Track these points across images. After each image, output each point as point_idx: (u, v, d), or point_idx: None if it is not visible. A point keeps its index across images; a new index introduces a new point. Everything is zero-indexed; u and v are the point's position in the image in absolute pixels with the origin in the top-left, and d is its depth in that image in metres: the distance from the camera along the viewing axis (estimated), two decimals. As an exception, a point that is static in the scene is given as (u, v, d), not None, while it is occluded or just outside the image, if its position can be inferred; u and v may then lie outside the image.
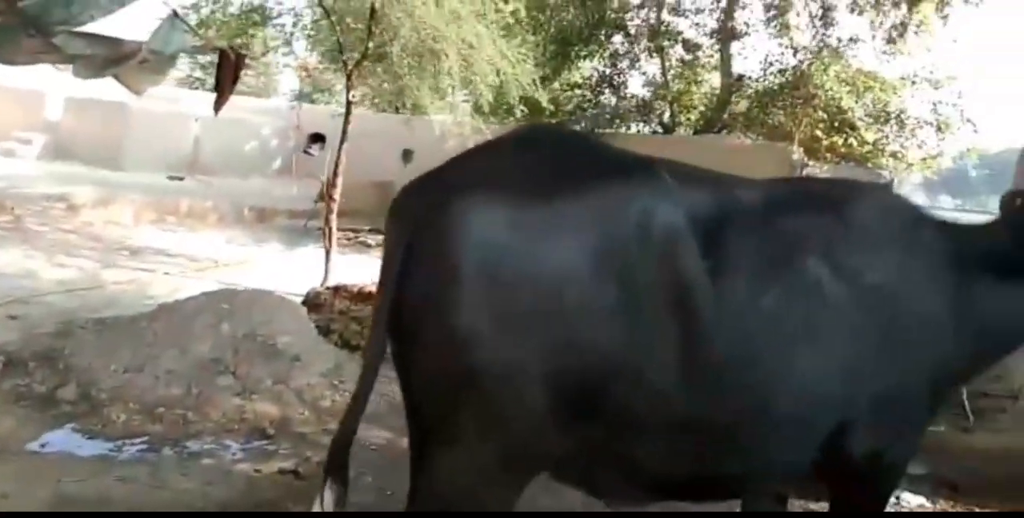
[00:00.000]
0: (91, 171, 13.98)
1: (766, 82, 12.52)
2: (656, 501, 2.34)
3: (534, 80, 9.12)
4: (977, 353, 2.50)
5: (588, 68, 14.22)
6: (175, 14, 6.83)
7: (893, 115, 11.38)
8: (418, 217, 1.83)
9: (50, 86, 15.36)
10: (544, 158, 1.95)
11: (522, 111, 13.63)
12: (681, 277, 1.87)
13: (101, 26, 6.23)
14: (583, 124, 13.45)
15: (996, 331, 2.51)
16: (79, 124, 15.39)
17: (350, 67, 7.76)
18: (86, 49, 6.30)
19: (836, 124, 11.60)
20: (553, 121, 13.87)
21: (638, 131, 14.31)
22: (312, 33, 10.49)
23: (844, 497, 2.49)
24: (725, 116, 13.27)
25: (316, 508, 1.96)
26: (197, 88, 23.21)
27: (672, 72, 13.57)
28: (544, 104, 13.51)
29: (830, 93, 10.82)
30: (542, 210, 1.81)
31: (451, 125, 9.88)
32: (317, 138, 13.75)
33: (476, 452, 1.87)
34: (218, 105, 7.71)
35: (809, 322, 2.10)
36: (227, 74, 7.60)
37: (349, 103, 7.89)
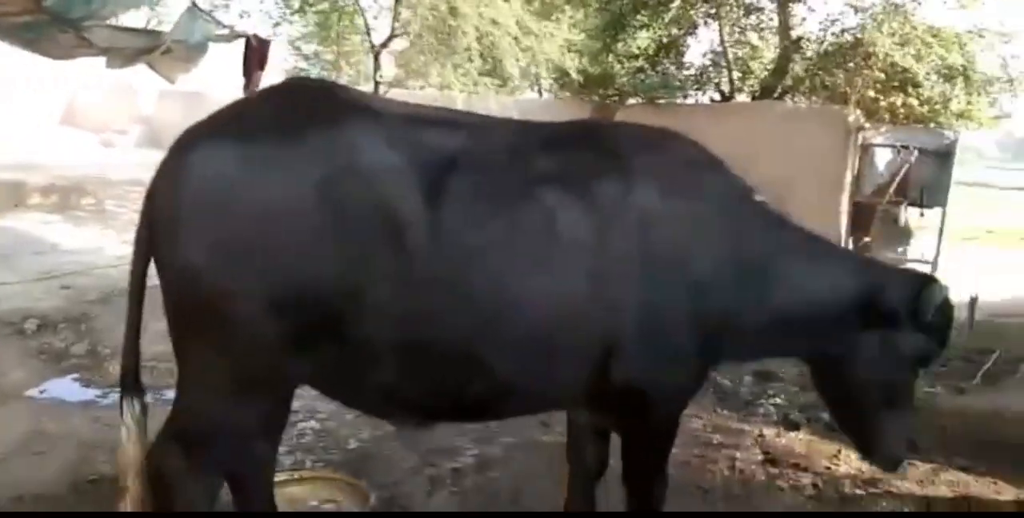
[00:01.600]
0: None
1: (825, 44, 11.99)
2: (425, 421, 2.53)
3: (566, 52, 9.11)
4: (747, 300, 2.55)
5: (644, 38, 13.97)
6: (194, 5, 7.35)
7: (958, 71, 10.68)
8: (162, 164, 2.09)
9: (143, 80, 16.54)
10: (283, 106, 2.17)
11: (579, 83, 13.64)
12: (394, 209, 2.06)
13: (133, 19, 6.81)
14: (640, 94, 13.29)
15: (765, 283, 2.56)
16: (166, 114, 16.54)
17: (376, 47, 8.10)
18: (115, 41, 6.89)
19: (896, 83, 11.02)
20: (606, 93, 13.78)
21: (696, 100, 14.03)
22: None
23: (627, 425, 2.62)
24: (785, 81, 12.80)
25: (124, 421, 2.27)
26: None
27: (731, 38, 13.19)
28: (593, 76, 13.53)
29: (887, 51, 10.26)
30: (261, 150, 2.04)
31: (477, 101, 10.04)
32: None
33: (214, 374, 2.15)
34: (247, 90, 8.20)
35: (550, 252, 2.23)
36: (253, 60, 8.08)
37: (377, 83, 8.25)
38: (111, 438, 3.91)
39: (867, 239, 11.17)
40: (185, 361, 2.18)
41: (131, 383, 2.27)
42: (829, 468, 4.16)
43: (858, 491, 3.90)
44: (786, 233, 2.76)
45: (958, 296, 6.93)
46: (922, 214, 10.76)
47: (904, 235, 11.09)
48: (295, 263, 2.02)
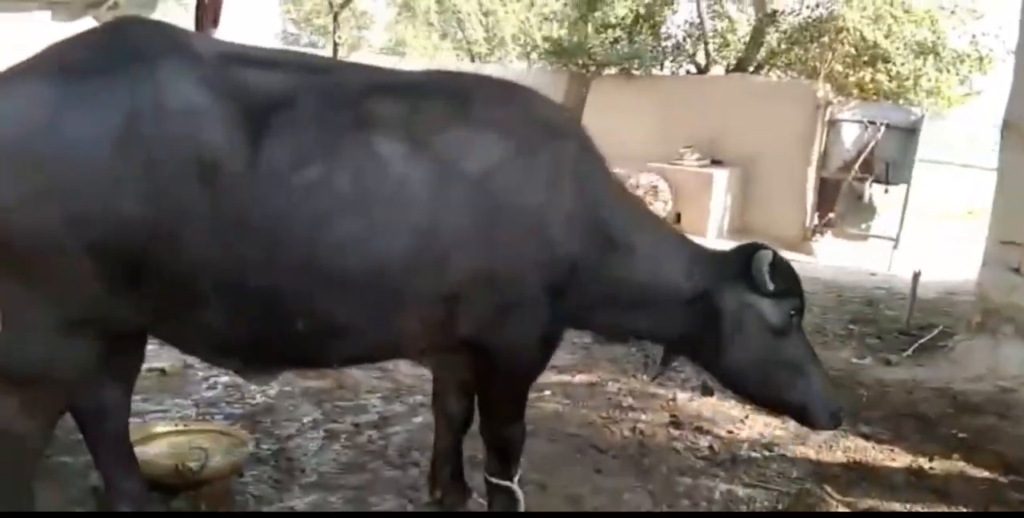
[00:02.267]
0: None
1: (800, 17, 11.88)
2: (261, 367, 2.53)
3: (526, 19, 9.07)
4: (589, 266, 2.56)
5: (623, 7, 13.84)
6: (142, -40, 7.23)
7: (928, 48, 10.58)
8: None
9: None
10: (101, 45, 2.13)
11: (549, 51, 13.51)
12: (204, 149, 2.03)
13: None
14: (616, 65, 13.20)
15: (603, 240, 2.57)
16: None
17: (335, 8, 8.01)
18: (63, -5, 6.80)
19: (866, 59, 10.94)
20: (581, 62, 13.66)
21: (673, 72, 13.93)
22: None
23: (477, 376, 2.63)
24: (759, 54, 12.70)
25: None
26: (293, 44, 24.09)
27: (709, 10, 13.06)
28: (568, 45, 13.41)
29: (857, 26, 10.17)
30: (67, 88, 2.00)
31: (436, 65, 9.94)
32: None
33: (29, 315, 2.13)
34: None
35: (377, 198, 2.20)
36: (206, 17, 7.97)
37: (336, 45, 8.19)
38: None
39: (831, 215, 11.20)
40: (6, 300, 2.16)
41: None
42: (731, 432, 4.19)
43: (753, 454, 3.93)
44: (631, 206, 2.78)
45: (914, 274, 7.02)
46: (886, 190, 10.77)
47: (868, 211, 11.11)
48: (98, 203, 1.98)
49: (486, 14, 8.94)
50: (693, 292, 2.73)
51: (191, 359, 4.23)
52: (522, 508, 2.73)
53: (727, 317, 2.72)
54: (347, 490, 3.21)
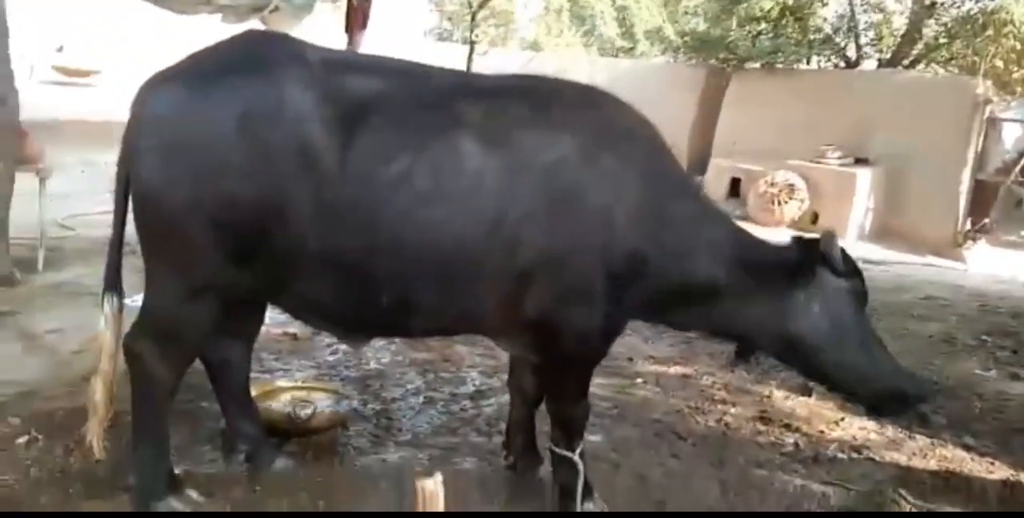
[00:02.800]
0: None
1: (959, 10, 11.08)
2: (354, 336, 2.86)
3: (660, 13, 9.05)
4: (656, 259, 2.73)
5: (770, 0, 13.44)
6: (297, -33, 7.90)
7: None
8: (132, 102, 2.51)
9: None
10: (230, 55, 2.53)
11: (682, 44, 13.32)
12: (307, 140, 2.38)
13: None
14: (758, 59, 12.88)
15: (658, 243, 2.73)
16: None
17: (474, 7, 8.39)
18: (231, 1, 7.58)
19: (1035, 54, 10.08)
20: (722, 56, 13.41)
21: (819, 66, 13.39)
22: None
23: (542, 355, 2.85)
24: (915, 49, 11.95)
25: (104, 312, 2.75)
26: (445, 39, 25.22)
27: (861, 2, 12.43)
28: (709, 39, 13.19)
29: (1020, 19, 9.38)
30: (201, 92, 2.42)
31: (569, 61, 10.12)
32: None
33: (170, 280, 2.57)
34: (350, 47, 8.73)
35: (457, 188, 2.48)
36: (355, 18, 8.59)
37: (472, 43, 8.57)
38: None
39: (987, 220, 10.45)
40: (149, 267, 2.61)
41: (112, 281, 2.73)
42: (822, 432, 4.18)
43: (840, 454, 3.91)
44: (700, 204, 2.91)
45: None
46: (1049, 196, 9.94)
47: (1028, 218, 10.28)
48: (224, 186, 2.38)
49: (619, 10, 9.06)
50: (760, 286, 2.83)
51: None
52: (582, 478, 2.94)
53: (803, 301, 2.81)
54: (435, 449, 3.54)
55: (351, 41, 8.64)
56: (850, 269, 2.84)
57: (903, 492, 3.29)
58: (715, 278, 2.82)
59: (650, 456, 3.67)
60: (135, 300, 5.67)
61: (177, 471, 2.99)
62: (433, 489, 2.05)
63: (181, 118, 2.41)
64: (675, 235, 2.76)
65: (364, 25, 8.64)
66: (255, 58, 2.50)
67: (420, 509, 2.05)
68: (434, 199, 2.47)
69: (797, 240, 2.92)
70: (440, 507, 2.06)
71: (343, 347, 4.84)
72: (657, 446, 3.80)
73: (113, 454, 3.13)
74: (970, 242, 10.73)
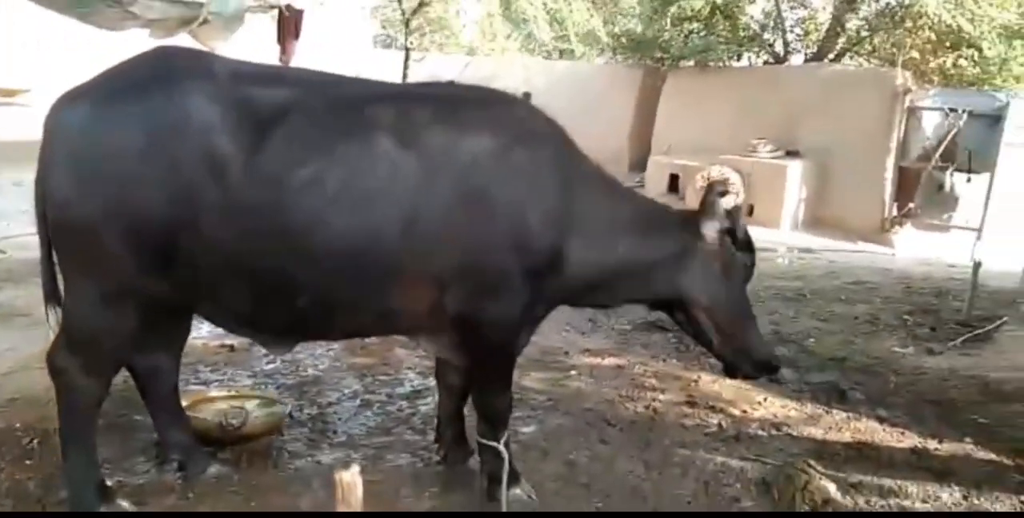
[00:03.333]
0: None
1: (879, 4, 11.54)
2: (272, 340, 2.95)
3: (594, 16, 9.34)
4: (571, 248, 2.89)
5: (700, 0, 13.80)
6: (228, -22, 7.89)
7: (1016, 32, 10.08)
8: (45, 118, 2.57)
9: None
10: (138, 71, 2.60)
11: (618, 45, 13.62)
12: (213, 152, 2.46)
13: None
14: (691, 57, 13.23)
15: (575, 234, 2.89)
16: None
17: (406, 14, 8.53)
18: (158, 13, 7.54)
19: (948, 44, 10.54)
20: (657, 56, 13.72)
21: (750, 62, 13.79)
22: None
23: (465, 350, 2.97)
24: (839, 43, 12.41)
25: (49, 325, 2.79)
26: (389, 46, 25.16)
27: (785, 0, 12.85)
28: (642, 39, 13.49)
29: (936, 11, 9.81)
30: (110, 108, 2.49)
31: (506, 65, 10.28)
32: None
33: (85, 288, 2.62)
34: (283, 58, 8.75)
35: (368, 190, 2.58)
36: (287, 29, 8.62)
37: (407, 50, 8.74)
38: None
39: (911, 205, 10.88)
40: (66, 278, 2.66)
41: (51, 293, 2.78)
42: (745, 412, 4.38)
43: (760, 432, 4.11)
44: (611, 195, 3.07)
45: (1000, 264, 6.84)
46: (969, 179, 10.37)
47: (950, 201, 10.71)
48: (134, 199, 2.46)
49: (551, 13, 9.29)
50: (676, 252, 3.07)
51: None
52: (507, 466, 3.06)
53: (701, 269, 3.08)
54: (369, 449, 3.63)
55: (284, 51, 8.67)
56: (746, 243, 3.10)
57: (812, 462, 3.48)
58: (630, 256, 3.00)
59: (579, 443, 3.81)
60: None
61: (110, 482, 3.03)
62: (351, 480, 2.14)
63: (90, 133, 2.47)
64: (589, 225, 2.91)
65: (297, 35, 8.68)
66: (162, 73, 2.57)
67: (339, 500, 2.15)
68: (343, 202, 2.56)
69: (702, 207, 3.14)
70: (359, 498, 2.16)
71: (284, 356, 4.91)
72: (586, 433, 3.95)
73: (42, 470, 3.18)
74: (897, 227, 11.16)
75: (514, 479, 3.10)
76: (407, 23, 8.95)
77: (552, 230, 2.81)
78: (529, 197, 2.77)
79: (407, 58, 9.00)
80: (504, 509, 2.96)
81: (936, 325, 6.56)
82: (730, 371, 3.35)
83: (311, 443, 3.67)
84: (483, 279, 2.75)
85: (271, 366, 4.73)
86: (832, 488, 3.33)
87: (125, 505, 2.93)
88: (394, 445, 3.69)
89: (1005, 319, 6.51)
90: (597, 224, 2.97)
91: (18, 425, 3.65)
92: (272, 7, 8.41)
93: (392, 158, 2.60)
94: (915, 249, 10.69)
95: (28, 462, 3.31)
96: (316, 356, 4.90)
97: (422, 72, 10.69)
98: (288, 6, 8.41)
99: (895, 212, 11.14)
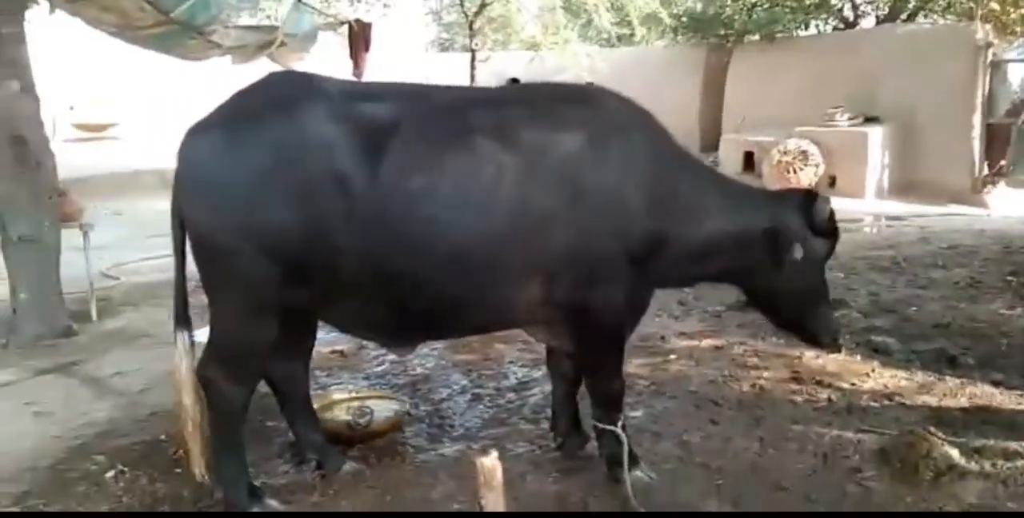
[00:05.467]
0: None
1: (950, -44, 11.10)
2: (401, 342, 3.11)
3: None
4: (670, 232, 3.01)
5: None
6: (298, 0, 8.22)
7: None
8: (178, 149, 2.79)
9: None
10: (257, 97, 2.80)
11: (681, 24, 13.46)
12: (337, 168, 2.64)
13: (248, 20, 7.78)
14: (756, 32, 12.99)
15: (673, 218, 3.01)
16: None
17: (470, 17, 8.67)
18: (237, 41, 7.91)
19: (1030, -8, 10.05)
20: (721, 33, 13.51)
21: (818, 30, 13.43)
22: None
23: (575, 338, 3.08)
24: (912, 2, 11.95)
25: (177, 348, 3.03)
26: (447, 49, 25.65)
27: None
28: (703, 19, 13.30)
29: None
30: (237, 134, 2.68)
31: (569, 56, 10.29)
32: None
33: (230, 305, 2.83)
34: (357, 71, 9.07)
35: (481, 192, 2.72)
36: (358, 43, 8.92)
37: (473, 51, 8.89)
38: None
39: (1003, 163, 10.45)
40: (211, 298, 2.88)
41: (181, 319, 3.02)
42: (854, 385, 4.35)
43: (873, 403, 4.09)
44: (701, 177, 3.16)
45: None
46: (1063, 131, 9.91)
47: (1045, 155, 10.25)
48: (268, 218, 2.64)
49: (612, 0, 9.35)
50: (761, 230, 3.14)
51: (366, 342, 5.04)
52: (626, 448, 3.16)
53: (791, 241, 3.13)
54: (487, 440, 3.77)
55: (357, 64, 8.98)
56: (831, 228, 3.17)
57: (932, 429, 3.45)
58: (723, 237, 3.09)
59: (690, 424, 3.88)
60: (196, 335, 5.97)
61: (256, 484, 3.27)
62: (492, 465, 2.28)
63: (221, 161, 2.67)
64: (688, 208, 3.01)
65: (367, 48, 8.99)
66: (280, 98, 2.76)
67: (482, 484, 2.28)
68: (459, 206, 2.71)
69: (791, 193, 3.20)
70: (499, 481, 2.30)
71: (389, 358, 5.12)
72: (696, 414, 4.01)
73: (192, 477, 3.42)
74: (989, 187, 10.75)
75: (633, 461, 3.19)
76: (471, 25, 9.13)
77: (651, 215, 2.91)
78: (627, 185, 2.87)
79: (473, 59, 9.18)
80: (629, 491, 3.05)
81: (1044, 285, 6.35)
82: (809, 342, 3.54)
83: (432, 437, 3.85)
84: (589, 267, 2.86)
85: (380, 368, 4.95)
86: (956, 454, 3.30)
87: (274, 504, 3.15)
88: (510, 435, 3.84)
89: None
90: (693, 208, 3.05)
91: (163, 437, 3.94)
92: (342, 23, 8.71)
93: (497, 160, 2.74)
94: (1010, 208, 10.28)
95: (178, 471, 3.58)
96: (422, 356, 5.09)
97: (487, 71, 10.87)
98: (357, 20, 8.71)
99: (986, 171, 10.72)
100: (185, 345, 3.01)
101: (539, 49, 10.70)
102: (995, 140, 10.51)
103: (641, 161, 2.93)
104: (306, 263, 2.71)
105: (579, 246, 2.82)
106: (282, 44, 8.16)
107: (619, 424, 3.18)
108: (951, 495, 3.11)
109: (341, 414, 3.72)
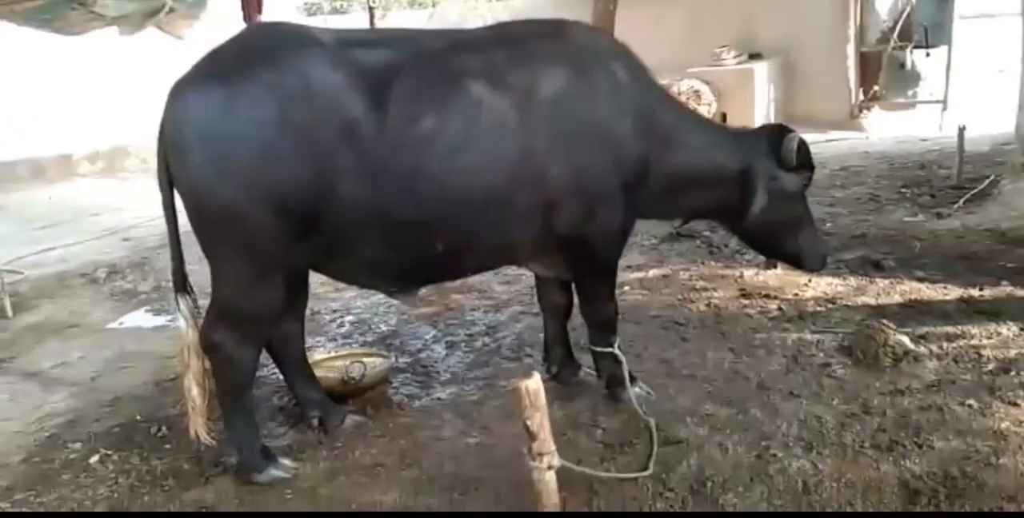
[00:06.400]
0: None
1: None
2: (408, 287, 3.16)
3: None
4: (653, 162, 3.14)
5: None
6: (185, -37, 7.75)
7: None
8: (164, 109, 2.67)
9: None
10: (246, 48, 2.71)
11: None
12: (344, 117, 2.62)
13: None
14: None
15: (655, 145, 3.13)
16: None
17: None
18: (120, 10, 7.42)
19: (888, -77, 10.75)
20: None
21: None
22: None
23: (576, 266, 3.22)
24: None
25: (180, 312, 2.96)
26: (315, 13, 24.64)
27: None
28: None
29: None
30: (233, 87, 2.59)
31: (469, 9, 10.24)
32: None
33: (235, 266, 2.77)
34: (248, 34, 8.67)
35: (482, 133, 2.77)
36: (251, 5, 8.50)
37: (371, 8, 8.77)
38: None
39: (876, 87, 11.22)
40: (213, 258, 2.80)
41: (180, 283, 2.93)
42: (797, 295, 4.71)
43: (818, 308, 4.45)
44: (676, 108, 3.32)
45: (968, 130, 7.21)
46: (928, 54, 10.71)
47: (913, 78, 11.07)
48: (274, 172, 2.59)
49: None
50: (739, 169, 3.28)
51: (315, 307, 5.00)
52: (626, 369, 3.34)
53: (762, 186, 3.25)
54: (477, 381, 3.88)
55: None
56: (803, 162, 3.33)
57: (885, 321, 3.81)
58: (708, 167, 3.24)
59: (663, 344, 4.11)
60: (122, 323, 5.69)
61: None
62: (535, 386, 2.38)
63: (222, 115, 2.57)
64: (668, 138, 3.14)
65: (260, 10, 8.57)
66: (275, 47, 2.68)
67: (527, 406, 2.39)
68: (465, 146, 2.75)
69: (766, 130, 3.38)
70: (543, 402, 2.41)
71: (348, 319, 5.11)
72: (665, 336, 4.24)
73: (186, 451, 3.35)
74: (865, 111, 11.53)
75: (632, 379, 3.38)
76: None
77: (638, 140, 3.04)
78: (614, 114, 2.98)
79: (372, 18, 9.02)
80: (635, 403, 3.24)
81: (933, 193, 6.96)
82: (798, 266, 3.73)
83: (422, 384, 3.92)
84: (588, 197, 2.97)
85: (343, 329, 4.93)
86: (907, 340, 3.67)
87: (288, 463, 3.15)
88: (498, 374, 3.95)
89: (995, 177, 6.91)
90: (671, 138, 3.19)
91: (138, 417, 3.83)
92: (232, -15, 8.27)
93: (493, 102, 2.79)
94: (887, 129, 11.08)
95: (167, 446, 3.50)
96: (381, 314, 5.11)
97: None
98: (250, -20, 8.28)
99: (862, 96, 11.49)
100: (189, 308, 2.95)
101: (435, 4, 10.64)
102: (868, 67, 11.26)
103: (625, 90, 3.05)
104: (314, 215, 2.68)
105: (578, 177, 2.93)
106: (171, 11, 7.70)
107: (615, 345, 3.35)
108: (912, 375, 3.48)
109: (330, 373, 3.73)
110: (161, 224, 7.99)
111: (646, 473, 2.83)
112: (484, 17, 11.44)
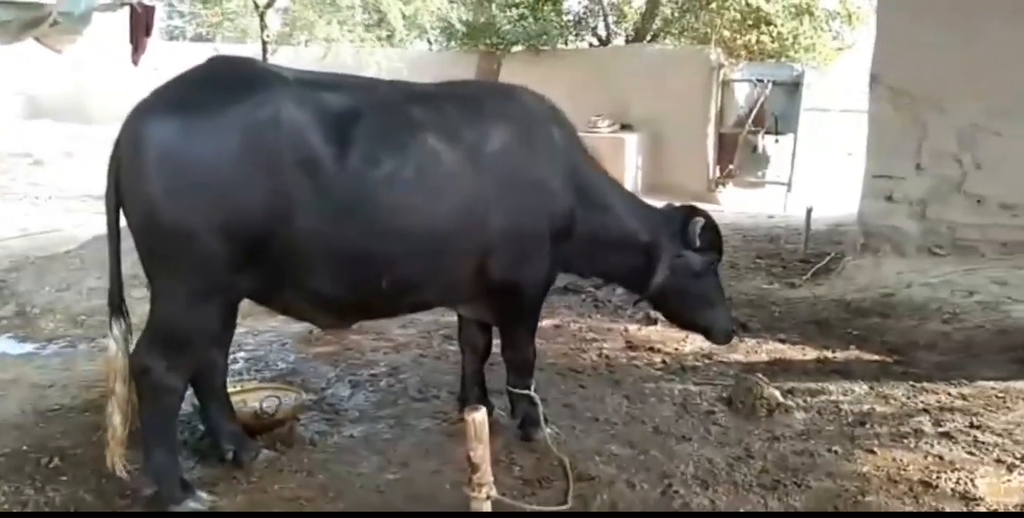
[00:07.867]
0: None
1: (690, -13, 12.97)
2: (346, 321, 3.28)
3: (448, 4, 9.87)
4: (577, 222, 3.43)
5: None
6: (78, -23, 7.51)
7: (804, 9, 11.86)
8: (121, 132, 2.69)
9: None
10: (212, 80, 2.78)
11: (463, 33, 14.19)
12: (305, 153, 2.73)
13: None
14: (524, 42, 14.00)
15: (581, 203, 3.44)
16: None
17: (261, 7, 8.49)
18: (2, 17, 7.05)
19: (751, 23, 12.14)
20: (491, 41, 14.36)
21: (576, 45, 14.84)
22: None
23: (504, 310, 3.45)
24: (655, 24, 13.73)
25: (110, 341, 2.89)
26: (177, 38, 23.78)
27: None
28: (476, 26, 14.09)
29: (740, -7, 11.31)
30: (197, 117, 2.66)
31: (365, 55, 10.53)
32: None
33: (176, 290, 2.78)
34: (135, 57, 8.46)
35: (433, 181, 2.97)
36: (139, 27, 8.33)
37: (264, 43, 8.72)
38: (60, 380, 4.48)
39: (731, 166, 12.39)
40: (155, 281, 2.80)
41: (116, 305, 2.88)
42: (676, 349, 5.15)
43: (696, 363, 4.89)
44: (601, 172, 3.65)
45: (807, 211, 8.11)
46: (777, 140, 12.03)
47: (763, 160, 12.36)
48: (231, 201, 2.66)
49: (406, 3, 9.73)
50: (647, 242, 3.63)
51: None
52: (541, 410, 3.57)
53: (665, 262, 3.63)
54: (388, 419, 3.96)
55: (136, 49, 8.39)
56: (708, 245, 3.69)
57: (759, 376, 4.28)
58: (620, 232, 3.57)
59: (562, 390, 4.38)
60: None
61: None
62: (481, 419, 2.56)
63: (185, 140, 2.62)
64: (593, 200, 3.46)
65: (148, 32, 8.41)
66: (242, 80, 2.78)
67: (472, 437, 2.56)
68: (419, 190, 2.94)
69: (679, 210, 3.76)
70: (486, 435, 2.59)
71: (239, 355, 5.02)
72: (564, 381, 4.52)
73: (83, 482, 3.21)
74: (721, 187, 12.68)
75: (544, 420, 3.60)
76: (262, 16, 8.89)
77: (568, 195, 3.35)
78: (551, 169, 3.29)
79: (264, 51, 8.99)
80: (549, 443, 3.46)
81: (784, 264, 7.79)
82: (707, 337, 4.03)
83: (331, 422, 3.94)
84: (521, 246, 3.23)
85: (237, 366, 4.83)
86: (778, 393, 4.14)
87: (205, 496, 3.10)
88: (408, 413, 4.05)
89: (834, 253, 7.83)
90: (595, 199, 3.52)
91: (25, 448, 3.61)
92: (123, 4, 8.07)
93: (444, 150, 3.01)
94: (739, 204, 12.22)
95: (63, 478, 3.34)
96: (276, 351, 5.08)
97: (283, 62, 10.59)
98: (140, 3, 8.13)
99: (718, 173, 12.63)
100: (122, 332, 2.89)
101: (335, 43, 10.72)
102: (725, 147, 12.46)
103: (559, 150, 3.36)
104: (264, 245, 2.75)
105: (517, 224, 3.18)
106: (55, 23, 7.40)
107: (531, 388, 3.58)
108: (785, 425, 3.93)
109: (244, 406, 3.69)
110: (13, 246, 7.55)
111: (566, 507, 3.05)
112: (379, 64, 11.66)
